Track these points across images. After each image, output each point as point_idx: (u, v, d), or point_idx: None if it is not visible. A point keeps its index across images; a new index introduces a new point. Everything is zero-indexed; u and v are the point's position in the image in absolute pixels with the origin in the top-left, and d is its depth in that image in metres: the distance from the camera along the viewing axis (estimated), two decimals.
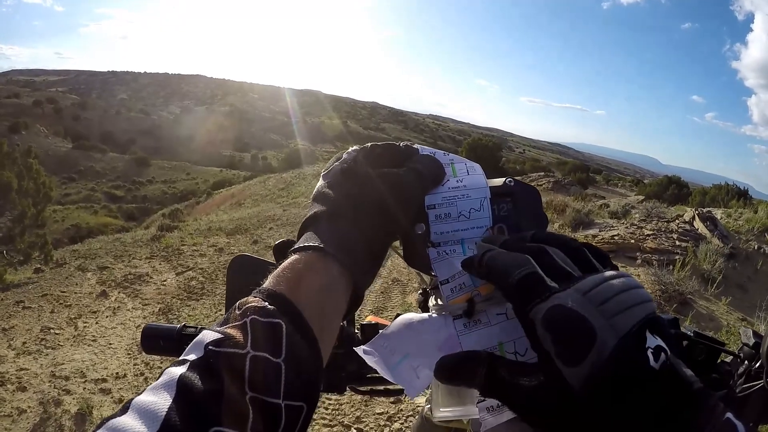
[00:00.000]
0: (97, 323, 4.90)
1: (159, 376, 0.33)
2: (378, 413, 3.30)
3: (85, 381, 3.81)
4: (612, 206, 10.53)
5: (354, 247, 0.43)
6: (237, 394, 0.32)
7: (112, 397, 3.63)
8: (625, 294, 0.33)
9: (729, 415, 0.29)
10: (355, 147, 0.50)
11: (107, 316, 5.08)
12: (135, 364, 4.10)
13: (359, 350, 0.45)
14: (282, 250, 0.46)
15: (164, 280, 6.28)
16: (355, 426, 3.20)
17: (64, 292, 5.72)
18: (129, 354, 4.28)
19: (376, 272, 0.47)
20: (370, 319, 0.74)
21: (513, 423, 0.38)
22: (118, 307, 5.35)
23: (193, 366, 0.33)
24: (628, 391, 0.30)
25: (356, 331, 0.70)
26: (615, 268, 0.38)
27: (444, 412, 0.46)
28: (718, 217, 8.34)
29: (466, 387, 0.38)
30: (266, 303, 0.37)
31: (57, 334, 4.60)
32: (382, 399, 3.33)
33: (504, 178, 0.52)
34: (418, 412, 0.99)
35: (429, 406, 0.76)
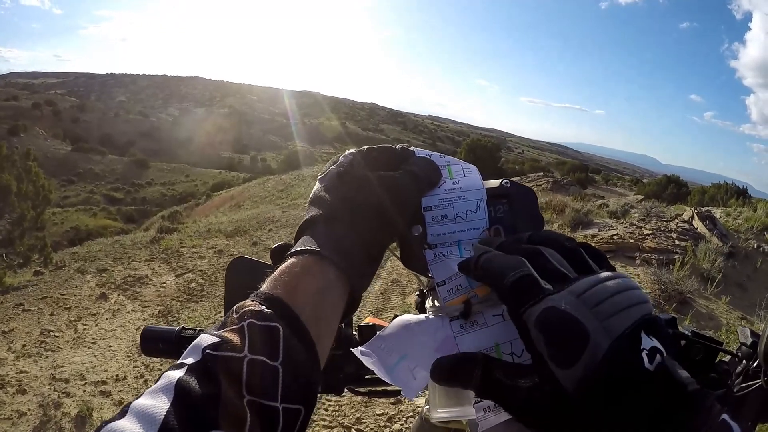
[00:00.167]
0: (96, 326, 4.90)
1: (157, 380, 0.33)
2: (378, 414, 3.30)
3: (85, 383, 3.81)
4: (611, 206, 10.54)
5: (351, 250, 0.44)
6: (234, 398, 0.32)
7: (112, 400, 3.63)
8: (620, 295, 0.33)
9: (725, 416, 0.29)
10: (351, 150, 0.51)
11: (107, 319, 5.08)
12: (135, 367, 4.10)
13: (356, 351, 0.45)
14: (279, 254, 0.47)
15: (164, 282, 6.27)
16: (356, 427, 3.20)
17: (63, 294, 5.72)
18: (129, 356, 4.28)
19: (374, 275, 0.47)
20: (369, 320, 0.75)
21: (510, 423, 0.38)
22: (118, 309, 5.35)
23: (191, 370, 0.33)
24: (623, 393, 0.30)
25: (354, 332, 0.70)
26: (612, 268, 0.38)
27: (442, 413, 0.46)
28: (718, 216, 8.34)
29: (462, 389, 0.38)
30: (263, 307, 0.37)
31: (57, 336, 4.59)
32: (383, 400, 3.33)
33: (500, 180, 0.52)
34: (418, 413, 0.99)
35: (428, 406, 0.77)
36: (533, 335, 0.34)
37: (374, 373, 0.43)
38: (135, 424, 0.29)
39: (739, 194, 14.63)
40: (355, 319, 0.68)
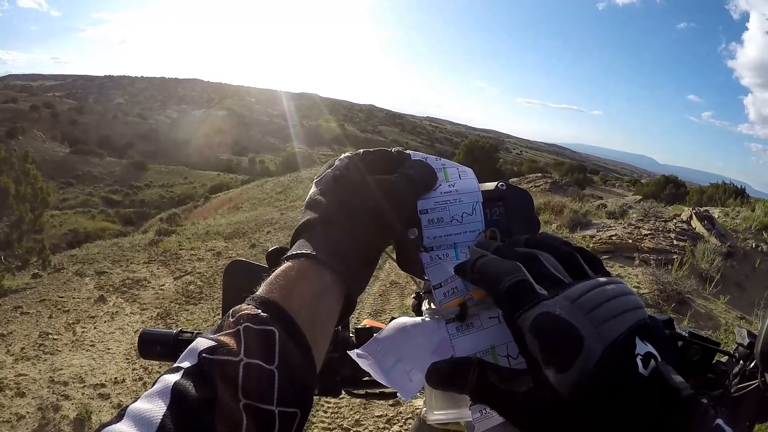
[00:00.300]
0: (95, 328, 4.89)
1: (154, 384, 0.33)
2: (377, 416, 3.30)
3: (84, 386, 3.80)
4: (609, 206, 10.55)
5: (346, 254, 0.44)
6: (231, 401, 0.33)
7: (110, 402, 3.62)
8: (614, 301, 0.33)
9: (719, 421, 0.30)
10: (347, 153, 0.51)
11: (105, 321, 5.07)
12: (134, 369, 4.10)
13: (353, 354, 0.45)
14: (275, 258, 0.47)
15: (162, 285, 6.27)
16: (354, 429, 3.20)
17: (62, 297, 5.71)
18: (127, 359, 4.28)
19: (369, 278, 0.47)
20: (366, 322, 0.75)
21: (506, 425, 0.39)
22: (117, 312, 5.34)
23: (188, 373, 0.33)
24: (617, 398, 0.30)
25: (351, 334, 0.70)
26: (607, 273, 0.38)
27: (438, 415, 0.47)
28: (716, 216, 8.36)
29: (457, 393, 0.38)
30: (259, 310, 0.37)
31: (55, 339, 4.59)
32: (381, 402, 3.33)
33: (496, 182, 0.52)
34: (416, 415, 1.00)
35: (425, 408, 0.77)
36: (528, 340, 0.34)
37: (371, 376, 0.44)
38: (132, 428, 0.30)
39: (737, 194, 14.65)
40: (353, 320, 0.68)
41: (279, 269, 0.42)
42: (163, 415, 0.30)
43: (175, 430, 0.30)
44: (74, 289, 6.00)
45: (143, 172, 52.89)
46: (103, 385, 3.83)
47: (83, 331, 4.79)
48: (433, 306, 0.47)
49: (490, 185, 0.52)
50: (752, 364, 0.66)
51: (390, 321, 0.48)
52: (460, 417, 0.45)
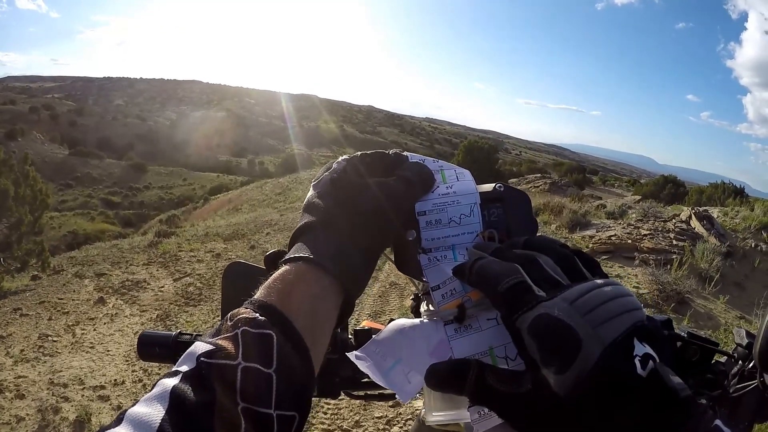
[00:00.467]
0: (95, 330, 4.89)
1: (152, 388, 0.34)
2: (377, 417, 3.30)
3: (84, 388, 3.80)
4: (609, 207, 10.57)
5: (345, 257, 0.44)
6: (229, 405, 0.33)
7: (110, 404, 3.62)
8: (612, 302, 0.33)
9: (718, 422, 0.30)
10: (344, 156, 0.51)
11: (105, 323, 5.07)
12: (133, 371, 4.09)
13: (352, 356, 0.45)
14: (273, 261, 0.47)
15: (162, 287, 6.26)
16: (354, 430, 3.20)
17: (61, 299, 5.71)
18: (127, 361, 4.27)
19: (368, 280, 0.47)
20: (365, 324, 0.75)
21: (505, 427, 0.39)
22: (116, 313, 5.34)
23: (186, 377, 0.33)
24: (615, 399, 0.30)
25: (350, 336, 0.70)
26: (605, 275, 0.38)
27: (437, 416, 0.47)
28: (715, 216, 8.37)
29: (456, 394, 0.38)
30: (257, 314, 0.37)
31: (55, 341, 4.58)
32: (381, 403, 3.33)
33: (494, 184, 0.52)
34: (416, 416, 1.00)
35: (425, 409, 0.77)
36: (526, 341, 0.34)
37: (370, 377, 0.44)
38: None
39: (736, 193, 14.68)
40: (352, 321, 0.68)
41: (277, 273, 0.42)
42: (162, 419, 0.30)
43: None
44: (74, 291, 6.00)
45: (142, 173, 52.89)
46: (102, 387, 3.83)
47: (83, 333, 4.79)
48: (431, 307, 0.47)
49: (488, 187, 0.52)
50: (751, 365, 0.66)
51: (389, 322, 0.48)
52: (458, 418, 0.45)
